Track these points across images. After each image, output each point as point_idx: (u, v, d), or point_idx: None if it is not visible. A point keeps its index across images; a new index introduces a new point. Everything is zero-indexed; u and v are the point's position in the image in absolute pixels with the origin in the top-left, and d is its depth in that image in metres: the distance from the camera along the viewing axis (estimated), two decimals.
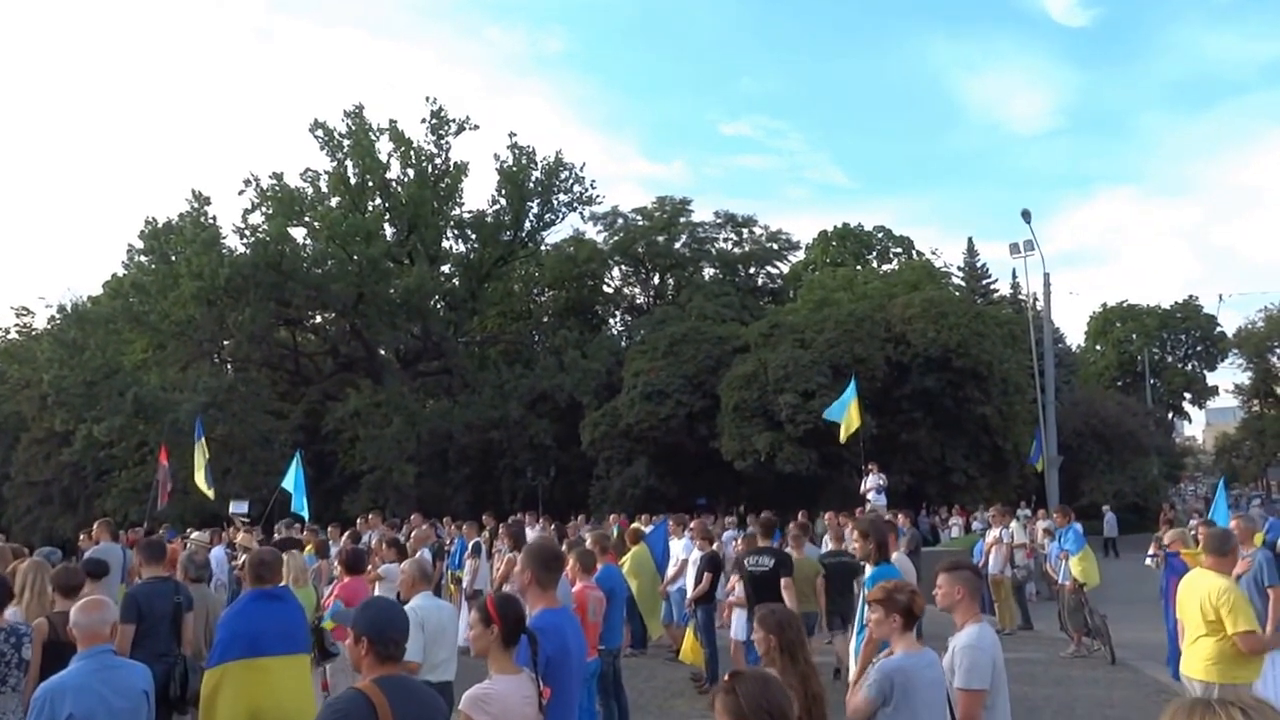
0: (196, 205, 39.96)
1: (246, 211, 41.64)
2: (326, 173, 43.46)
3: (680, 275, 51.90)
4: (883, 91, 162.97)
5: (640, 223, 51.31)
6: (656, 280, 53.45)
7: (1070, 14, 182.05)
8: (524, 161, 45.08)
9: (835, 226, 60.18)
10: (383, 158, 43.51)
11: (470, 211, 46.54)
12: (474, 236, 46.58)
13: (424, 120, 43.92)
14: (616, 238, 51.07)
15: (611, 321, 54.09)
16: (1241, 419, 72.37)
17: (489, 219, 45.85)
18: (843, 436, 21.93)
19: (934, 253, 59.55)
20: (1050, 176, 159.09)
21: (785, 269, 55.82)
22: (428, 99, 44.01)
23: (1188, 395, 70.58)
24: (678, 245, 51.85)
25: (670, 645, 12.78)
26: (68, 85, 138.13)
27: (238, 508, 21.52)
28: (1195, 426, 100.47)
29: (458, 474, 43.93)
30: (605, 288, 53.90)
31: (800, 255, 56.95)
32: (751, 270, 54.30)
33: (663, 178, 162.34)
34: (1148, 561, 13.03)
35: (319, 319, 46.22)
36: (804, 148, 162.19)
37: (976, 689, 4.52)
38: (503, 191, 45.29)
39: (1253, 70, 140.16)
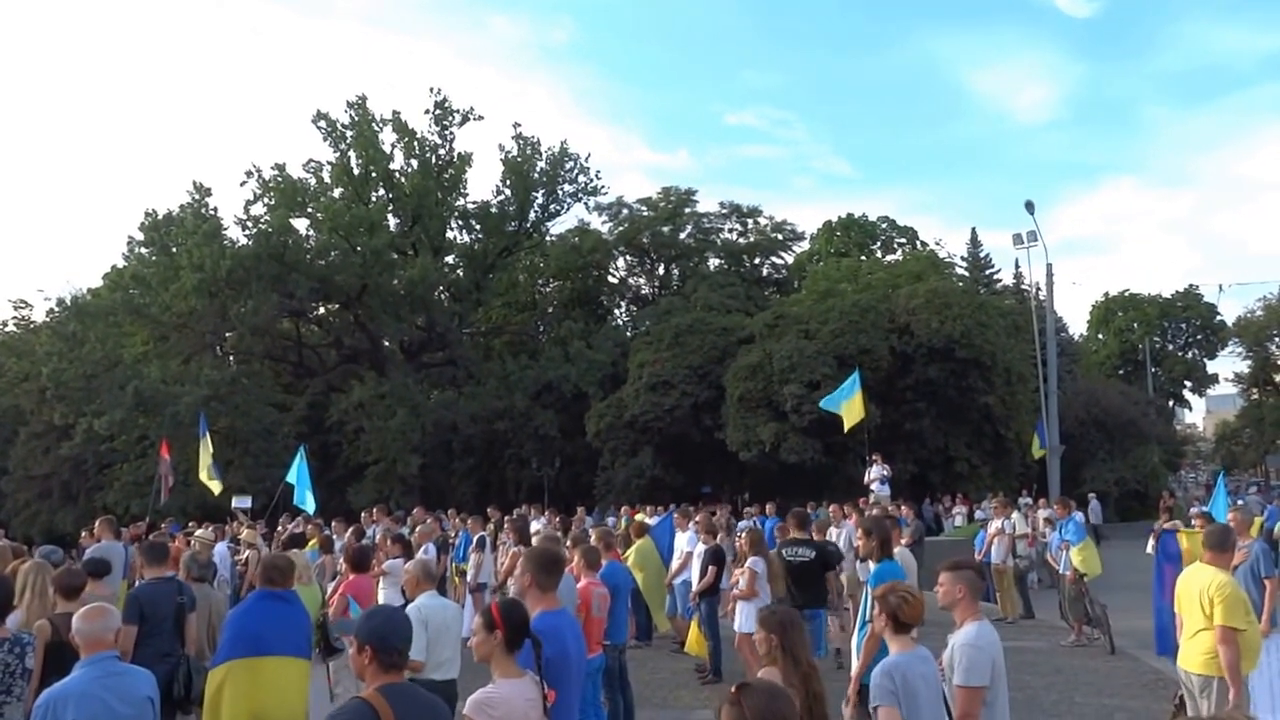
0: (198, 196, 39.98)
1: (248, 203, 41.77)
2: (329, 164, 43.43)
3: (685, 266, 51.85)
4: (888, 82, 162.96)
5: (645, 213, 51.24)
6: (661, 271, 53.41)
7: (1076, 5, 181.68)
8: (529, 152, 45.05)
9: (840, 217, 60.01)
10: (386, 149, 43.48)
11: (475, 202, 46.60)
12: (478, 227, 46.56)
13: (428, 111, 43.96)
14: (621, 228, 51.00)
15: (616, 312, 54.11)
16: (1241, 407, 72.47)
17: (493, 210, 45.82)
18: (846, 426, 21.93)
19: (938, 243, 59.40)
20: (1053, 167, 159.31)
21: (790, 259, 55.71)
22: (431, 90, 44.20)
23: (1188, 383, 70.99)
24: (683, 236, 51.80)
25: (675, 637, 12.86)
26: (68, 76, 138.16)
27: (241, 502, 21.51)
28: (1196, 414, 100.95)
29: (462, 465, 43.99)
30: (610, 278, 53.84)
31: (805, 246, 56.79)
32: (756, 261, 54.19)
33: (667, 168, 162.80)
34: (1149, 550, 13.08)
35: (322, 310, 46.25)
36: (808, 138, 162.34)
37: (975, 686, 4.57)
38: (507, 182, 45.27)
39: (1254, 63, 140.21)
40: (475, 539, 14.28)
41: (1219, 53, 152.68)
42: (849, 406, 21.58)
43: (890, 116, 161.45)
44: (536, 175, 45.04)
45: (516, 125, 46.07)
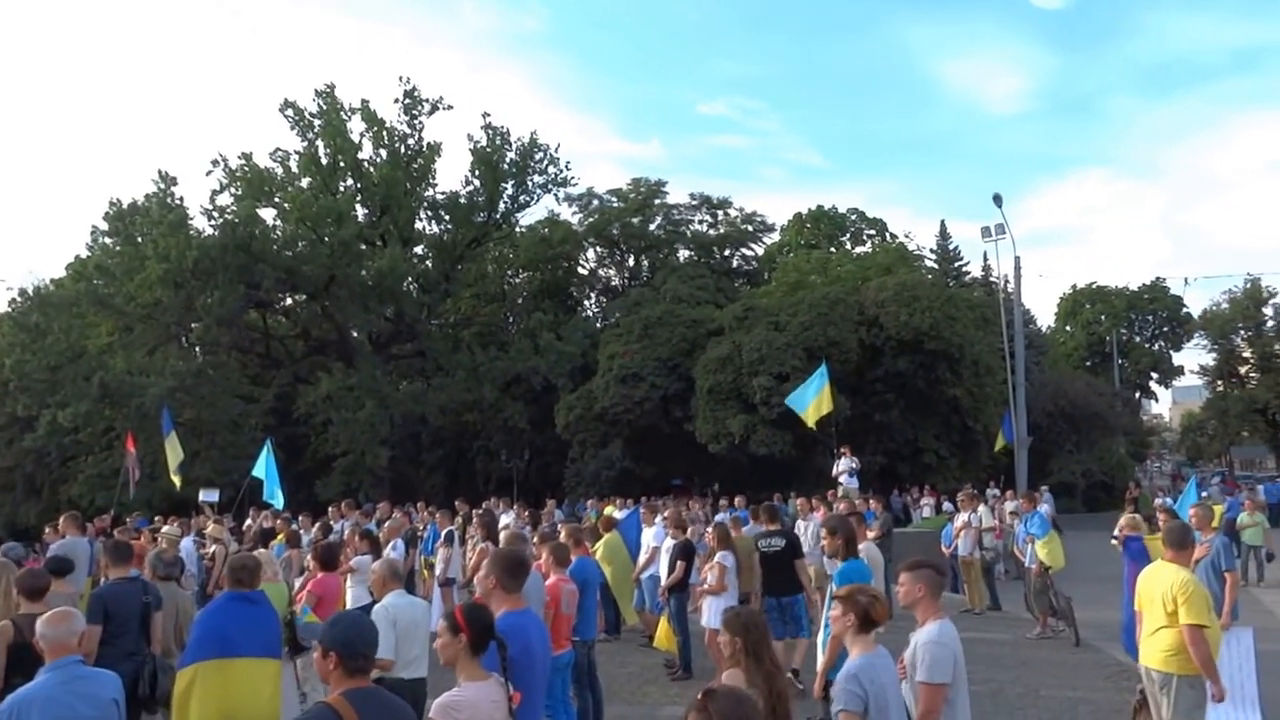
0: (163, 186, 39.38)
1: (215, 192, 41.23)
2: (297, 153, 42.94)
3: (655, 257, 51.90)
4: (859, 73, 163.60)
5: (615, 204, 51.21)
6: (631, 262, 53.42)
7: None
8: (498, 142, 44.80)
9: (810, 209, 60.23)
10: (354, 138, 43.04)
11: (444, 193, 46.21)
12: (447, 218, 46.25)
13: (397, 100, 43.54)
14: (591, 219, 50.95)
15: (586, 304, 54.09)
16: (1206, 399, 73.63)
17: (462, 200, 45.52)
18: (810, 420, 22.08)
19: (907, 235, 59.76)
20: (1023, 158, 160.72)
21: (760, 251, 55.92)
22: (401, 78, 43.87)
23: (1154, 375, 72.05)
24: (653, 227, 51.83)
25: (643, 631, 12.89)
26: (29, 62, 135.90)
27: (208, 496, 21.32)
28: (1162, 405, 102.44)
29: (431, 457, 43.86)
30: (580, 269, 53.83)
31: (775, 237, 57.06)
32: (726, 252, 54.38)
33: (638, 157, 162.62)
34: (1113, 541, 13.28)
35: (290, 301, 45.78)
36: (780, 128, 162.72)
37: (938, 683, 4.64)
38: (476, 172, 44.99)
39: (1224, 57, 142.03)
40: (444, 533, 14.22)
41: (1189, 45, 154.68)
42: (816, 401, 21.70)
43: (861, 107, 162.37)
44: (506, 166, 44.80)
45: (486, 115, 45.64)
